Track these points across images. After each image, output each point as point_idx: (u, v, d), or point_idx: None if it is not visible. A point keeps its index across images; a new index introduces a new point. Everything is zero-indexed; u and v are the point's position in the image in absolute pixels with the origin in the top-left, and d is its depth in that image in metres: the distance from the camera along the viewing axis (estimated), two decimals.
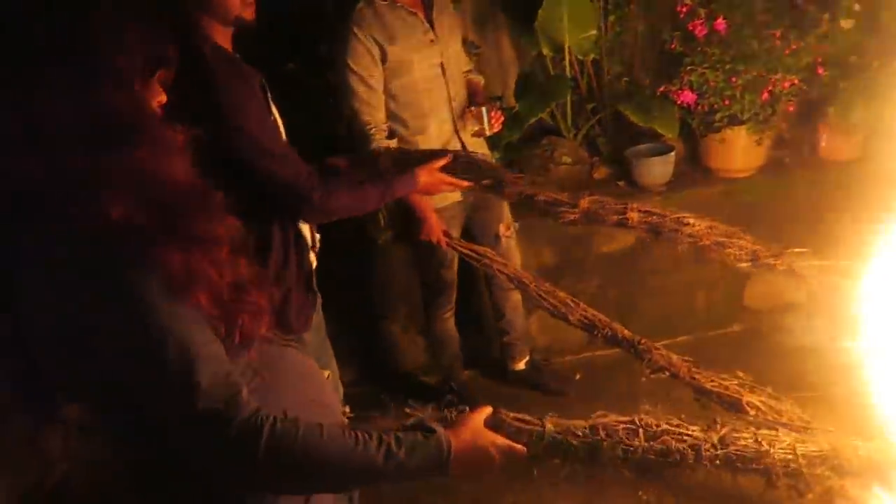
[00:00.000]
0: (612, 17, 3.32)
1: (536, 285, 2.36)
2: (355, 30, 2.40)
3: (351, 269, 3.19)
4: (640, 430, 1.43)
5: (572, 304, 2.31)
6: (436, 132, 2.57)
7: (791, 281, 2.11)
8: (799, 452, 1.53)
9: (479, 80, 2.78)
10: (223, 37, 1.75)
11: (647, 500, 2.44)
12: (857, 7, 3.08)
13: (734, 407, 2.04)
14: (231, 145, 1.67)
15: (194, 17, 1.70)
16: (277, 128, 1.87)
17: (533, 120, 3.25)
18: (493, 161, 2.73)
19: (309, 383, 1.32)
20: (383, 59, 2.43)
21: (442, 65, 2.54)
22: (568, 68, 3.30)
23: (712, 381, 2.07)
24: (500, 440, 1.27)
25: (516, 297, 2.90)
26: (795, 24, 3.08)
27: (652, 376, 3.04)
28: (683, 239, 2.05)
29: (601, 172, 3.43)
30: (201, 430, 1.04)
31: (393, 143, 2.48)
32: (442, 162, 2.13)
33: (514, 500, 2.50)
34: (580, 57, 3.32)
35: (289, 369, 1.29)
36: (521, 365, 3.08)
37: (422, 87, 2.52)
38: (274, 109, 1.87)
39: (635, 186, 3.27)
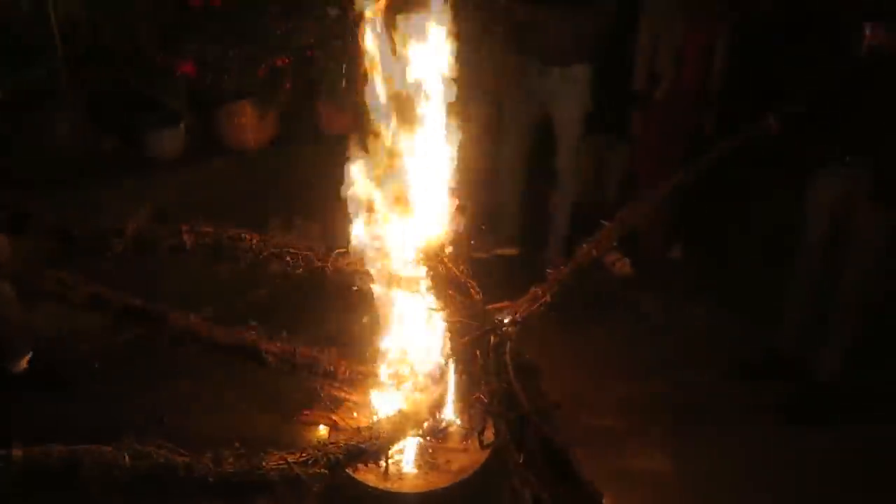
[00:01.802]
0: None
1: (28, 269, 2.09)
2: None
3: None
4: (125, 455, 1.41)
5: (74, 284, 2.10)
6: None
7: None
8: (290, 460, 1.70)
9: None
10: None
11: None
12: None
13: (254, 357, 2.18)
14: None
15: None
16: None
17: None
18: None
19: None
20: None
21: None
22: (54, 25, 2.95)
23: (231, 336, 2.16)
24: None
25: (6, 287, 2.51)
26: (290, 8, 3.34)
27: (171, 346, 3.01)
28: (244, 256, 2.08)
29: (108, 143, 3.20)
30: None
31: None
32: None
33: None
34: (66, 13, 2.99)
35: None
36: (23, 364, 2.71)
37: None
38: None
39: (146, 158, 3.14)
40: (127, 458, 1.38)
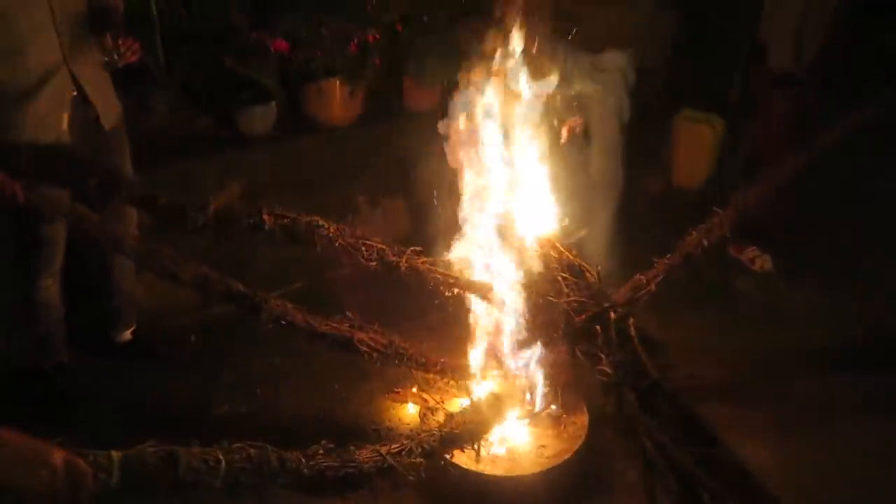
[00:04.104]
0: None
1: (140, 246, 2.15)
2: None
3: None
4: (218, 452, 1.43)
5: (182, 263, 2.15)
6: (36, 60, 2.11)
7: None
8: (384, 452, 1.71)
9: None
10: None
11: None
12: None
13: (346, 346, 2.19)
14: None
15: None
16: None
17: None
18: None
19: None
20: None
21: None
22: (153, 4, 3.01)
23: (325, 324, 2.18)
24: (64, 453, 1.20)
25: (128, 260, 2.59)
26: None
27: (269, 328, 3.09)
28: (320, 242, 2.09)
29: (203, 121, 3.27)
30: None
31: None
32: None
33: None
34: None
35: None
36: (128, 334, 2.82)
37: (15, 1, 2.03)
38: None
39: (238, 136, 3.20)
40: (221, 454, 1.40)
